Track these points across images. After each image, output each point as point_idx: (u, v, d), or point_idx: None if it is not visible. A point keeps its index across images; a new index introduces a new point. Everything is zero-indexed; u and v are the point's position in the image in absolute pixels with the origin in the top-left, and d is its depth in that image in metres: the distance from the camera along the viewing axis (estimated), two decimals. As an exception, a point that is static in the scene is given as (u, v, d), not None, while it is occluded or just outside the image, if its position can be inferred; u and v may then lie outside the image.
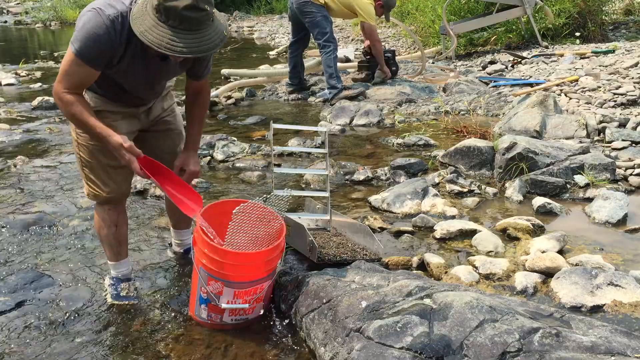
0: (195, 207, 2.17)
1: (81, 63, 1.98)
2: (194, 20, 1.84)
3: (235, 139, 4.59)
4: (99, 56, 1.98)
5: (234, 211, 2.18)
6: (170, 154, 2.45)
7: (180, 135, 2.50)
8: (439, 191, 3.40)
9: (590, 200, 3.20)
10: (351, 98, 5.81)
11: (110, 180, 2.29)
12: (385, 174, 3.77)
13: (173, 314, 2.34)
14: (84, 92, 2.13)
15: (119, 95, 2.21)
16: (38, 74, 8.62)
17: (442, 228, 2.88)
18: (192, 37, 1.86)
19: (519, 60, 7.01)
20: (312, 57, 7.50)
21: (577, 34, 7.78)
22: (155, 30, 1.85)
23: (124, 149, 2.05)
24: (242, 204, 2.20)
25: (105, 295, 2.45)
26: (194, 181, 3.58)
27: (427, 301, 1.95)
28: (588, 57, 6.60)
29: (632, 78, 5.32)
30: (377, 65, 6.32)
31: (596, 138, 4.22)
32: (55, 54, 10.83)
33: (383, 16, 6.00)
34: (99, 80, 2.09)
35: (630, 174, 3.48)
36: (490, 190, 3.42)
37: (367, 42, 6.35)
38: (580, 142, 4.11)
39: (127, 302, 2.40)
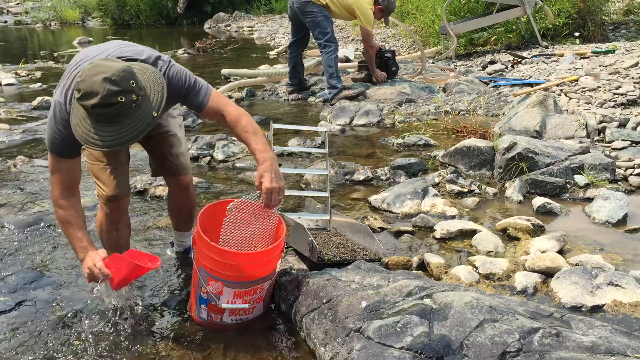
0: (155, 264, 2.12)
1: (57, 158, 2.06)
2: (108, 115, 1.82)
3: (235, 139, 4.59)
4: (68, 147, 2.03)
5: (227, 207, 2.18)
6: (165, 157, 2.49)
7: (174, 136, 2.50)
8: (439, 191, 3.40)
9: (590, 200, 3.20)
10: (351, 98, 5.81)
11: (111, 178, 2.30)
12: (385, 174, 3.77)
13: (173, 314, 2.34)
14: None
15: None
16: (38, 74, 8.62)
17: (442, 228, 2.88)
18: (111, 130, 1.84)
19: (519, 60, 7.01)
20: (312, 57, 7.50)
21: (577, 34, 7.78)
22: (83, 123, 1.86)
23: (88, 270, 2.05)
24: (235, 201, 2.21)
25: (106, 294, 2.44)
26: (195, 180, 3.59)
27: (427, 301, 1.95)
28: (588, 57, 6.60)
29: (632, 78, 5.32)
30: (378, 65, 6.33)
31: (596, 138, 4.22)
32: (55, 54, 10.83)
33: (382, 21, 6.02)
34: None
35: (630, 174, 3.48)
36: (490, 190, 3.42)
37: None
38: (580, 142, 4.11)
39: (127, 302, 2.40)
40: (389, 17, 6.17)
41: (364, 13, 5.66)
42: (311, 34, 5.94)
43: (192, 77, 2.17)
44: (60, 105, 2.01)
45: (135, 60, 2.02)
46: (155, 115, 1.89)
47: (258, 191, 2.13)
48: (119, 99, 1.79)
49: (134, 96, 1.82)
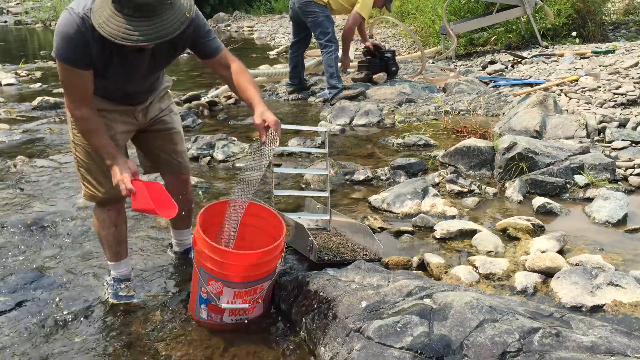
0: (170, 212, 2.13)
1: (67, 67, 1.97)
2: (149, 6, 1.79)
3: (235, 139, 4.59)
4: (78, 55, 1.95)
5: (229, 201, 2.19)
6: (168, 154, 2.48)
7: (178, 134, 2.50)
8: (439, 191, 3.40)
9: (590, 200, 3.20)
10: (351, 98, 5.81)
11: (107, 179, 2.24)
12: (385, 174, 3.77)
13: (173, 314, 2.34)
14: None
15: (114, 93, 2.20)
16: (38, 74, 8.62)
17: (442, 228, 2.88)
18: (148, 25, 1.80)
19: (519, 60, 7.01)
20: (312, 57, 7.50)
21: (574, 33, 7.78)
22: (112, 20, 1.80)
23: (123, 184, 2.06)
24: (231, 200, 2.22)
25: (105, 294, 2.45)
26: (195, 180, 3.59)
27: (427, 301, 1.95)
28: (588, 57, 6.60)
29: (632, 78, 5.32)
30: (378, 65, 6.33)
31: (596, 138, 4.22)
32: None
33: (384, 8, 6.04)
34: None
35: (630, 174, 3.48)
36: (490, 190, 3.42)
37: (367, 43, 6.35)
38: (580, 142, 4.11)
39: (127, 302, 2.40)
40: (389, 17, 6.17)
41: (364, 0, 5.67)
42: (312, 33, 5.94)
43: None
44: (72, 10, 1.92)
45: None
46: (188, 15, 1.88)
47: (259, 137, 2.16)
48: None
49: None
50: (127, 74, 2.13)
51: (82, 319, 2.30)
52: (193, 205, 2.73)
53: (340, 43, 6.21)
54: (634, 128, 4.26)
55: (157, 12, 1.81)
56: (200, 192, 3.58)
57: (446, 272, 2.49)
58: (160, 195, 2.14)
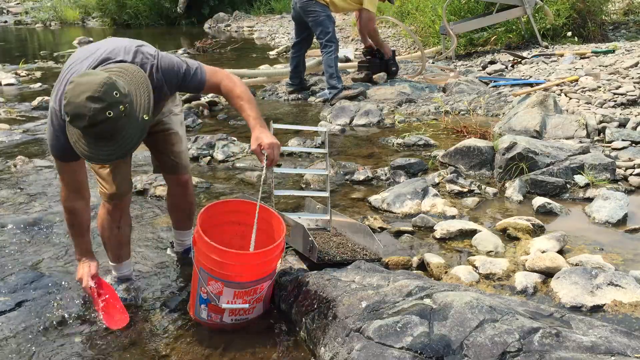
0: (119, 322, 2.24)
1: (60, 162, 2.09)
2: (100, 133, 1.82)
3: (235, 139, 4.59)
4: (64, 149, 2.01)
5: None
6: (166, 155, 2.50)
7: (176, 135, 2.50)
8: (439, 191, 3.40)
9: (590, 200, 3.20)
10: (351, 98, 5.80)
11: (112, 176, 2.29)
12: (385, 174, 3.77)
13: (173, 314, 2.34)
14: None
15: None
16: (38, 74, 8.62)
17: (442, 228, 2.88)
18: (109, 144, 1.86)
19: (519, 60, 7.00)
20: (312, 57, 7.50)
21: (569, 33, 7.78)
22: (82, 141, 1.87)
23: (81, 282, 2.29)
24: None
25: None
26: (195, 180, 3.59)
27: (427, 301, 1.95)
28: (588, 57, 6.60)
29: (632, 78, 5.31)
30: (377, 65, 6.32)
31: (596, 138, 4.22)
32: (55, 54, 10.83)
33: (388, 1, 6.06)
34: None
35: (630, 174, 3.48)
36: (490, 190, 3.42)
37: (368, 43, 6.34)
38: (580, 142, 4.11)
39: (127, 302, 2.40)
40: (389, 17, 6.17)
41: None
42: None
43: (183, 63, 2.17)
44: (56, 112, 2.02)
45: (120, 61, 2.01)
46: (146, 118, 1.89)
47: (264, 164, 2.19)
48: (107, 114, 1.78)
49: (121, 107, 1.81)
50: None
51: (82, 318, 2.30)
52: (194, 206, 2.72)
53: (363, 40, 6.30)
54: (634, 128, 4.26)
55: (113, 132, 1.84)
56: (200, 192, 3.58)
57: (446, 272, 2.49)
58: (112, 304, 2.29)
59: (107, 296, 2.30)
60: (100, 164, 1.98)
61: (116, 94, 1.79)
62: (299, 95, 6.41)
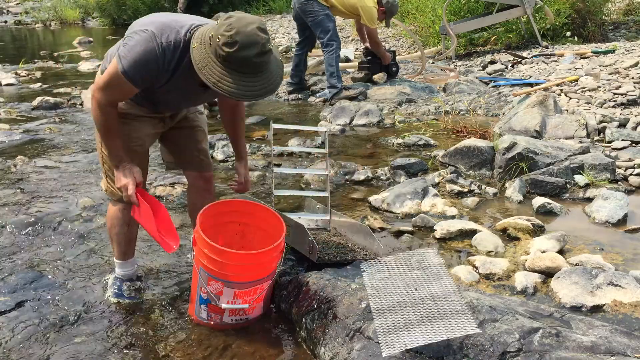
0: (172, 245, 2.16)
1: (125, 81, 2.00)
2: (262, 64, 1.89)
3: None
4: (143, 78, 2.01)
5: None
6: (191, 151, 2.48)
7: (203, 132, 2.51)
8: (439, 191, 3.40)
9: (590, 200, 3.20)
10: (351, 98, 5.81)
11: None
12: (385, 174, 3.77)
13: (173, 314, 2.34)
14: None
15: (151, 105, 2.24)
16: (38, 74, 8.61)
17: (442, 228, 2.88)
18: (261, 80, 1.91)
19: (519, 60, 7.01)
20: (312, 57, 7.50)
21: (569, 33, 7.78)
22: (227, 78, 1.88)
23: (125, 190, 2.15)
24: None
25: (107, 294, 2.45)
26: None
27: (427, 301, 1.95)
28: (588, 57, 6.60)
29: (632, 78, 5.31)
30: (377, 65, 6.33)
31: (596, 138, 4.22)
32: (55, 54, 10.83)
33: (384, 22, 6.04)
34: None
35: (630, 174, 3.48)
36: (490, 190, 3.42)
37: (367, 43, 6.35)
38: (580, 142, 4.11)
39: (128, 302, 2.40)
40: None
41: (368, 12, 5.68)
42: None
43: None
44: (155, 37, 1.96)
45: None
46: (282, 72, 2.00)
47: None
48: (270, 45, 1.88)
49: (269, 45, 1.89)
50: (181, 100, 2.23)
51: (82, 318, 2.30)
52: None
53: (363, 41, 6.34)
54: (634, 128, 4.26)
55: (266, 68, 1.91)
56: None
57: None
58: (165, 222, 2.18)
59: (159, 210, 2.20)
60: (248, 100, 1.96)
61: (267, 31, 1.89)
62: (299, 95, 6.41)
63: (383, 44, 6.82)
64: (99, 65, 2.23)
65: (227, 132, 2.56)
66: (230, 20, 1.85)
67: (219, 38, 1.84)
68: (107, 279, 2.53)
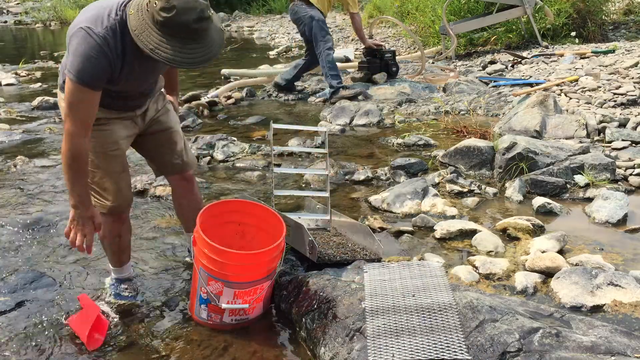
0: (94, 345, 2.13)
1: (84, 89, 1.93)
2: (201, 31, 1.85)
3: (235, 139, 4.59)
4: (99, 77, 1.94)
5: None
6: (169, 156, 2.41)
7: (177, 133, 2.43)
8: (439, 191, 3.40)
9: (590, 200, 3.20)
10: (351, 98, 5.80)
11: (116, 186, 2.23)
12: (385, 174, 3.77)
13: (173, 314, 2.34)
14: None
15: (116, 102, 2.17)
16: (38, 74, 8.62)
17: (442, 228, 2.88)
18: (201, 47, 1.87)
19: (519, 60, 7.00)
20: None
21: (573, 33, 7.78)
22: (165, 45, 1.83)
23: (91, 221, 2.09)
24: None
25: (106, 294, 2.45)
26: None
27: (427, 301, 1.95)
28: (588, 57, 6.60)
29: (632, 78, 5.31)
30: (377, 65, 6.32)
31: (596, 138, 4.22)
32: (55, 54, 10.83)
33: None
34: None
35: (630, 174, 3.48)
36: (490, 190, 3.42)
37: (367, 43, 6.33)
38: (580, 142, 4.11)
39: (127, 302, 2.40)
40: (389, 17, 6.17)
41: None
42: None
43: None
44: (91, 31, 1.90)
45: None
46: (223, 36, 1.98)
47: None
48: (209, 12, 1.84)
49: (210, 11, 1.86)
50: (139, 81, 2.14)
51: (82, 319, 2.30)
52: (202, 203, 2.66)
53: (362, 41, 6.34)
54: (634, 128, 4.26)
55: (206, 34, 1.87)
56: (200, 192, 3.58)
57: (446, 272, 2.49)
58: (99, 326, 2.17)
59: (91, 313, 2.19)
60: (187, 67, 1.90)
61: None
62: (298, 96, 6.41)
63: (383, 43, 6.82)
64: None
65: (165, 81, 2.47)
66: None
67: (155, 3, 1.79)
68: (106, 280, 2.53)
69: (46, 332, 2.22)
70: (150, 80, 2.21)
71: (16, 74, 8.51)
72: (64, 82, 2.04)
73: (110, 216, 2.28)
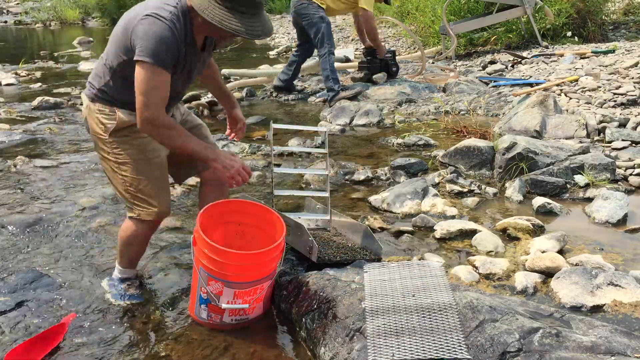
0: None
1: (161, 71, 1.99)
2: (260, 4, 2.03)
3: (236, 139, 4.58)
4: (172, 58, 2.02)
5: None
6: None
7: (204, 127, 2.54)
8: (439, 191, 3.40)
9: (590, 200, 3.20)
10: (351, 98, 5.80)
11: (160, 192, 2.27)
12: (385, 174, 3.77)
13: (173, 314, 2.34)
14: (116, 110, 2.18)
15: None
16: (38, 74, 8.61)
17: (442, 228, 2.88)
18: (259, 20, 2.04)
19: (519, 60, 7.00)
20: (312, 57, 7.49)
21: (569, 33, 7.78)
22: (231, 19, 1.98)
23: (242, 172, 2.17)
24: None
25: (106, 294, 2.45)
26: (195, 181, 3.58)
27: (427, 301, 1.95)
28: (588, 57, 6.60)
29: (632, 78, 5.31)
30: (377, 65, 6.31)
31: (596, 138, 4.22)
32: (55, 54, 10.83)
33: (383, 2, 6.05)
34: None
35: (630, 174, 3.48)
36: (490, 190, 3.42)
37: (368, 43, 6.34)
38: (580, 142, 4.11)
39: (128, 302, 2.40)
40: (388, 17, 6.17)
41: None
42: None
43: None
44: (159, 15, 2.00)
45: None
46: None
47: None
48: None
49: None
50: (183, 78, 2.21)
51: (82, 319, 2.30)
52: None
53: (363, 41, 6.30)
54: (634, 128, 4.26)
55: (262, 11, 2.07)
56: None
57: (446, 272, 2.49)
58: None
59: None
60: (251, 38, 2.05)
61: None
62: (290, 96, 6.41)
63: (383, 43, 6.82)
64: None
65: (211, 90, 2.59)
66: None
67: None
68: (106, 280, 2.53)
69: (46, 332, 2.22)
70: (192, 78, 2.28)
71: (16, 74, 8.51)
72: (99, 90, 2.16)
73: (151, 223, 2.31)
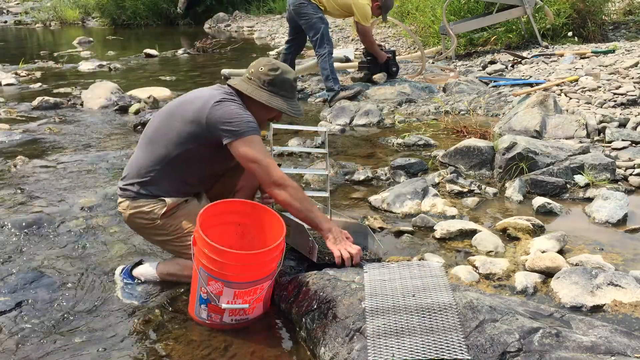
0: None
1: (257, 137, 2.29)
2: (295, 88, 2.48)
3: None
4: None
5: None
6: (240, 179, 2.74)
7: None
8: (439, 191, 3.40)
9: (590, 200, 3.20)
10: (351, 98, 5.80)
11: None
12: (385, 174, 3.77)
13: (173, 314, 2.34)
14: (164, 199, 2.36)
15: (196, 182, 2.50)
16: (38, 74, 8.62)
17: (442, 228, 2.88)
18: (295, 102, 2.47)
19: (519, 60, 7.01)
20: (311, 57, 7.50)
21: (569, 33, 7.78)
22: (274, 99, 2.39)
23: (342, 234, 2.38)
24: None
25: (117, 287, 2.51)
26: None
27: (427, 301, 1.94)
28: (588, 57, 6.60)
29: (632, 78, 5.31)
30: (377, 65, 6.32)
31: (596, 138, 4.22)
32: (55, 54, 10.83)
33: (380, 17, 6.02)
34: (199, 166, 2.37)
35: (630, 174, 3.48)
36: (490, 190, 3.42)
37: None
38: (580, 142, 4.11)
39: (128, 302, 2.41)
40: (388, 17, 6.17)
41: (361, 9, 5.65)
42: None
43: None
44: (224, 99, 2.31)
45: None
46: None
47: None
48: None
49: None
50: (223, 159, 2.47)
51: (82, 319, 2.30)
52: None
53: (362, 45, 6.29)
54: (634, 128, 4.26)
55: (296, 94, 2.53)
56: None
57: (446, 272, 2.49)
58: None
59: None
60: (292, 115, 2.44)
61: None
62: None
63: (383, 44, 6.82)
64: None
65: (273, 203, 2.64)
66: (261, 59, 2.46)
67: (261, 68, 2.37)
68: (117, 270, 2.59)
69: (46, 332, 2.22)
70: (227, 162, 2.49)
71: (16, 74, 8.51)
72: (141, 186, 2.36)
73: None
